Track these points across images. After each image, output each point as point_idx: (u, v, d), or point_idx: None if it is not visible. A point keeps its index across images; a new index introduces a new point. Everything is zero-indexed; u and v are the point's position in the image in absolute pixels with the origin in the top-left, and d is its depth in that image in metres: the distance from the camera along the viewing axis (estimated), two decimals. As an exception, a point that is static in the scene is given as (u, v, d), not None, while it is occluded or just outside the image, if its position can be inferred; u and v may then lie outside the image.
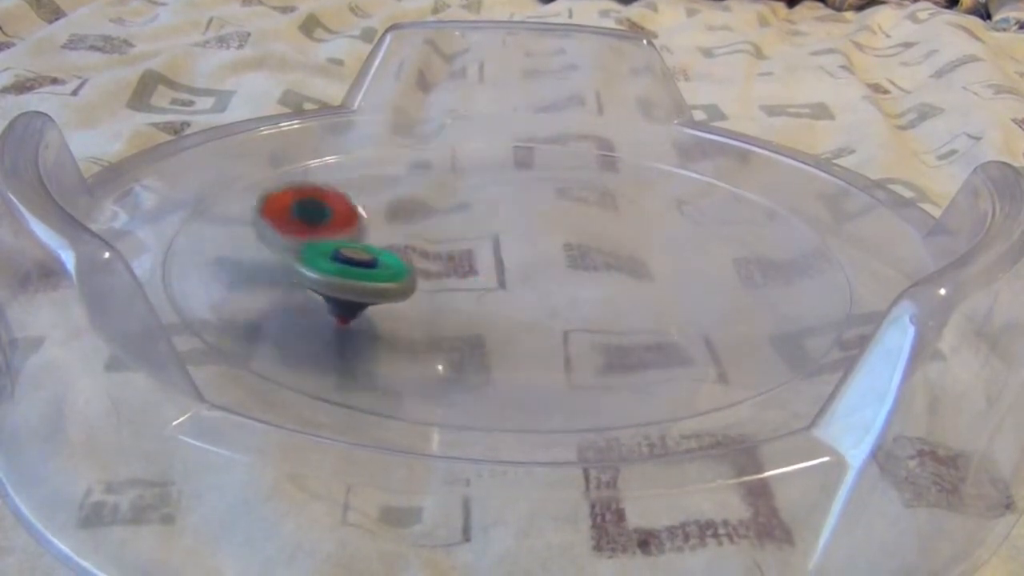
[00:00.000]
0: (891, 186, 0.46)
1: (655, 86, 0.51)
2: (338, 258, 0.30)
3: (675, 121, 0.50)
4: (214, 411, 0.24)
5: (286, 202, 0.34)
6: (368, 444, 0.25)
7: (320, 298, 0.30)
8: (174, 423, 0.23)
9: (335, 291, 0.30)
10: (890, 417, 0.23)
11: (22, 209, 0.26)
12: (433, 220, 0.40)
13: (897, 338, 0.23)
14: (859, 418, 0.23)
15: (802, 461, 0.24)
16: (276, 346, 0.31)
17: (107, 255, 0.24)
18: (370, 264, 0.30)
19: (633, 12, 0.80)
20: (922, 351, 0.24)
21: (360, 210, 0.35)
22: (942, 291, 0.24)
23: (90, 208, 0.36)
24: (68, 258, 0.24)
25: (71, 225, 0.25)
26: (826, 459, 0.23)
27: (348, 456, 0.24)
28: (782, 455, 0.24)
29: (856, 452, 0.23)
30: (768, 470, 0.24)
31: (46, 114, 0.33)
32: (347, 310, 0.31)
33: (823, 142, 0.52)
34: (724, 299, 0.36)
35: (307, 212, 0.34)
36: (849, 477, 0.23)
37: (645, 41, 0.53)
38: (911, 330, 0.23)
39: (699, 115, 0.55)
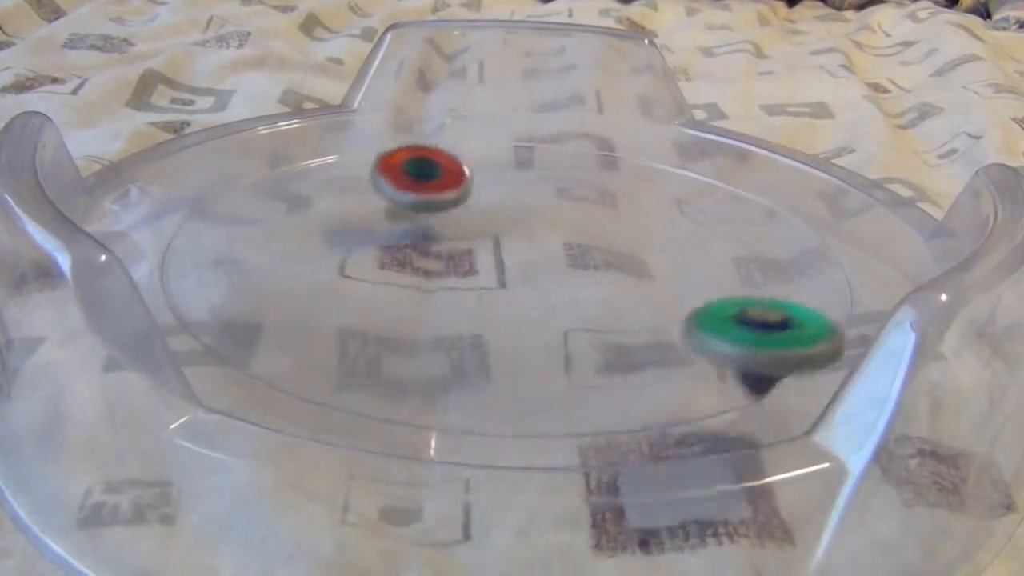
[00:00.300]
0: (891, 185, 0.46)
1: (655, 85, 0.51)
2: (747, 322, 0.25)
3: (675, 121, 0.50)
4: (211, 415, 0.23)
5: (399, 160, 0.37)
6: (367, 448, 0.25)
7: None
8: (171, 427, 0.23)
9: (756, 366, 0.25)
10: (890, 423, 0.23)
11: (18, 210, 0.26)
12: (433, 219, 0.40)
13: (898, 344, 0.23)
14: (859, 424, 0.23)
15: (802, 467, 0.24)
16: (275, 348, 0.31)
17: (103, 258, 0.24)
18: (785, 324, 0.25)
19: (633, 11, 0.80)
20: (923, 357, 0.24)
21: (466, 169, 0.38)
22: (943, 297, 0.24)
23: (88, 208, 0.36)
24: (64, 261, 0.24)
25: (67, 227, 0.25)
26: (826, 465, 0.23)
27: (347, 460, 0.24)
28: (782, 461, 0.24)
29: (856, 458, 0.23)
30: (768, 476, 0.24)
31: (44, 114, 0.33)
32: (763, 384, 0.26)
33: (823, 141, 0.52)
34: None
35: (418, 169, 0.37)
36: (849, 483, 0.23)
37: (646, 40, 0.53)
38: (912, 336, 0.23)
39: (699, 114, 0.55)
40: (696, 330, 0.25)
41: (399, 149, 0.38)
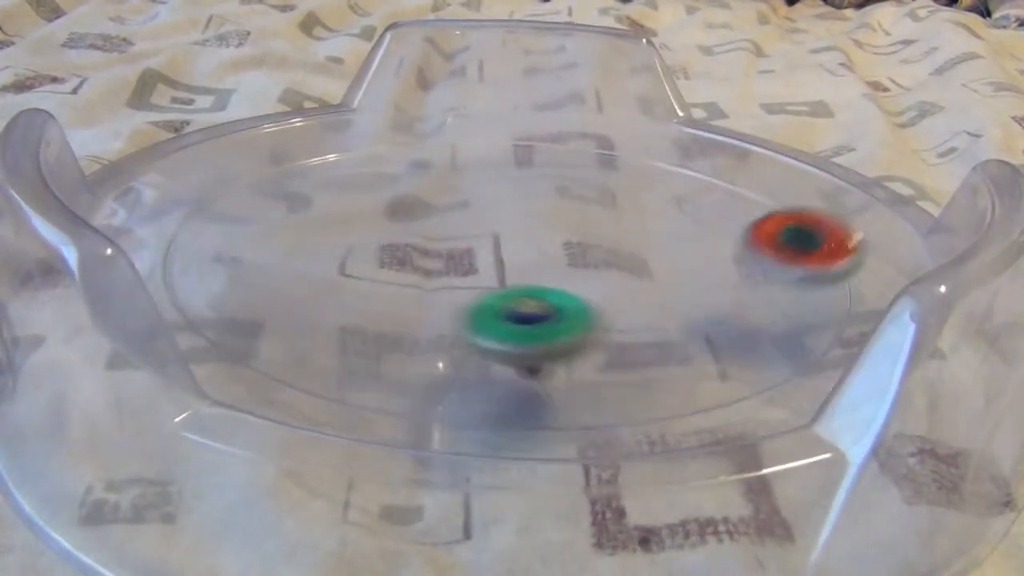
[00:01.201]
0: (891, 184, 0.46)
1: (655, 85, 0.51)
2: (514, 317, 0.27)
3: (674, 120, 0.50)
4: (216, 408, 0.24)
5: (777, 227, 0.33)
6: (369, 440, 0.25)
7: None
8: (175, 420, 0.23)
9: (514, 361, 0.27)
10: (891, 413, 0.23)
11: (24, 205, 0.26)
12: (433, 218, 0.40)
13: (897, 335, 0.23)
14: (860, 415, 0.24)
15: (802, 458, 0.24)
16: (276, 347, 0.31)
17: (109, 251, 0.24)
18: (547, 317, 0.27)
19: (633, 10, 0.80)
20: (922, 348, 0.24)
21: (857, 235, 0.32)
22: (942, 288, 0.24)
23: (91, 206, 0.36)
24: (70, 254, 0.24)
25: (73, 221, 0.25)
26: (827, 456, 0.24)
27: (349, 452, 0.24)
28: (782, 452, 0.24)
29: (857, 449, 0.23)
30: (769, 467, 0.24)
31: (47, 111, 0.33)
32: (533, 370, 0.28)
33: (823, 140, 0.52)
34: (724, 297, 0.36)
35: (798, 238, 0.32)
36: (850, 474, 0.23)
37: (644, 40, 0.53)
38: (911, 327, 0.23)
39: (699, 113, 0.55)
40: (468, 330, 0.27)
41: (772, 215, 0.34)
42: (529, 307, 0.27)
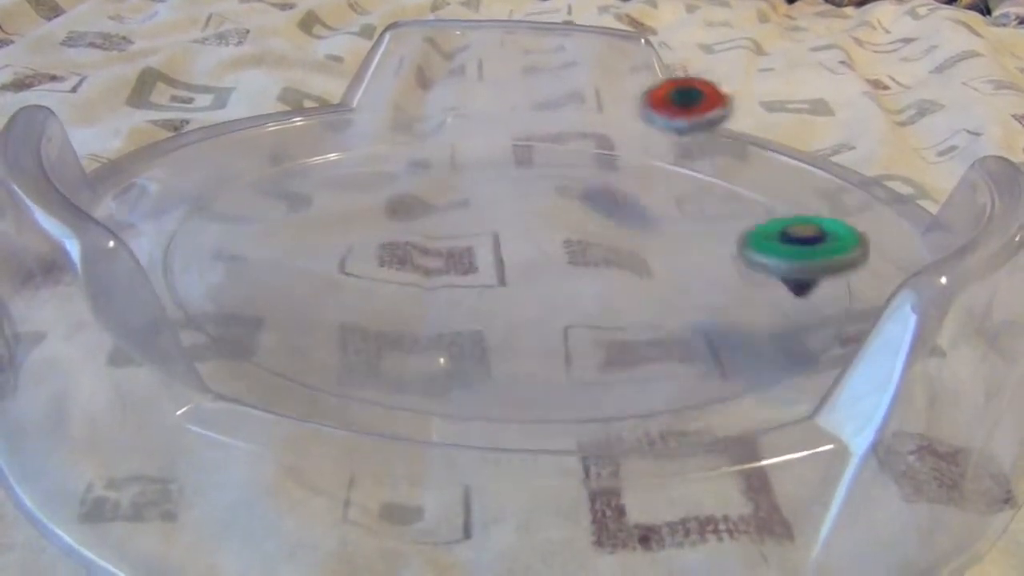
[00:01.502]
0: (891, 182, 0.46)
1: (654, 84, 0.51)
2: (786, 238, 0.30)
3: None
4: (218, 401, 0.24)
5: (666, 92, 0.41)
6: (369, 433, 0.25)
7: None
8: (177, 413, 0.23)
9: (790, 274, 0.31)
10: (892, 405, 0.23)
11: (26, 199, 0.26)
12: (433, 217, 0.40)
13: (899, 327, 0.24)
14: (861, 407, 0.24)
15: (804, 449, 0.24)
16: (276, 345, 0.31)
17: (111, 243, 0.24)
18: (818, 239, 0.30)
19: (633, 8, 0.80)
20: (924, 339, 0.24)
21: (726, 92, 0.40)
22: (943, 280, 0.24)
23: (91, 203, 0.36)
24: (72, 247, 0.24)
25: (75, 214, 0.25)
26: (829, 447, 0.24)
27: (350, 445, 0.24)
28: (784, 443, 0.24)
29: (858, 440, 0.23)
30: (770, 458, 0.24)
31: (48, 108, 0.33)
32: (803, 287, 0.31)
33: (823, 138, 0.52)
34: (724, 295, 0.36)
35: (682, 98, 0.40)
36: (851, 465, 0.23)
37: (643, 40, 0.53)
38: (912, 319, 0.23)
39: (699, 112, 0.55)
40: (747, 247, 0.31)
41: (662, 83, 0.42)
42: (802, 231, 0.31)
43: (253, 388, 0.28)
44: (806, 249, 0.30)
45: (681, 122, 0.40)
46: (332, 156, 0.46)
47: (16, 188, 0.26)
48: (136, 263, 0.24)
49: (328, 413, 0.27)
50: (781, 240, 0.31)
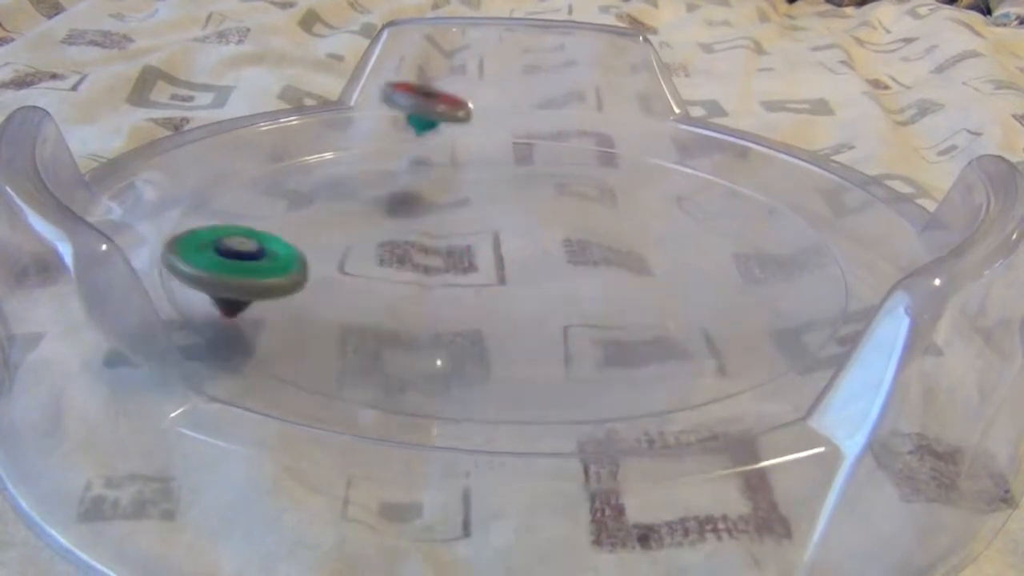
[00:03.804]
0: (891, 182, 0.46)
1: (653, 83, 0.51)
2: (220, 250, 0.27)
3: (671, 117, 0.50)
4: (212, 403, 0.24)
5: (408, 87, 0.45)
6: (367, 436, 0.25)
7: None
8: (172, 415, 0.23)
9: (212, 290, 0.28)
10: (886, 406, 0.23)
11: (19, 202, 0.26)
12: (432, 216, 0.40)
13: (892, 329, 0.24)
14: (855, 408, 0.24)
15: (798, 451, 0.24)
16: (275, 344, 0.31)
17: (105, 247, 0.24)
18: (255, 255, 0.28)
19: (633, 7, 0.80)
20: (917, 341, 0.24)
21: (470, 104, 0.44)
22: (937, 282, 0.24)
23: (87, 203, 0.36)
24: (66, 250, 0.24)
25: (68, 217, 0.25)
26: (821, 449, 0.24)
27: (347, 448, 0.24)
28: (779, 446, 0.24)
29: (852, 442, 0.23)
30: (764, 460, 0.24)
31: (43, 109, 0.33)
32: (231, 305, 0.28)
33: (823, 138, 0.52)
34: (723, 294, 0.36)
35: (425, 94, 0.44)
36: (844, 467, 0.23)
37: (641, 38, 0.53)
38: (906, 321, 0.23)
39: (699, 111, 0.55)
40: (172, 254, 0.27)
41: (403, 82, 0.46)
42: (240, 244, 0.28)
43: (250, 389, 0.28)
44: (239, 264, 0.27)
45: (423, 103, 0.44)
46: (332, 154, 0.46)
47: (9, 190, 0.26)
48: (129, 266, 0.24)
49: (327, 414, 0.27)
50: (216, 250, 0.27)
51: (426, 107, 0.44)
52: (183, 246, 0.27)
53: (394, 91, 0.44)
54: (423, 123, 0.44)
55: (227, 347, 0.30)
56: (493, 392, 0.29)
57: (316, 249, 0.37)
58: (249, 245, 0.28)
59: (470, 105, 0.45)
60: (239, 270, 0.27)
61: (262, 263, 0.28)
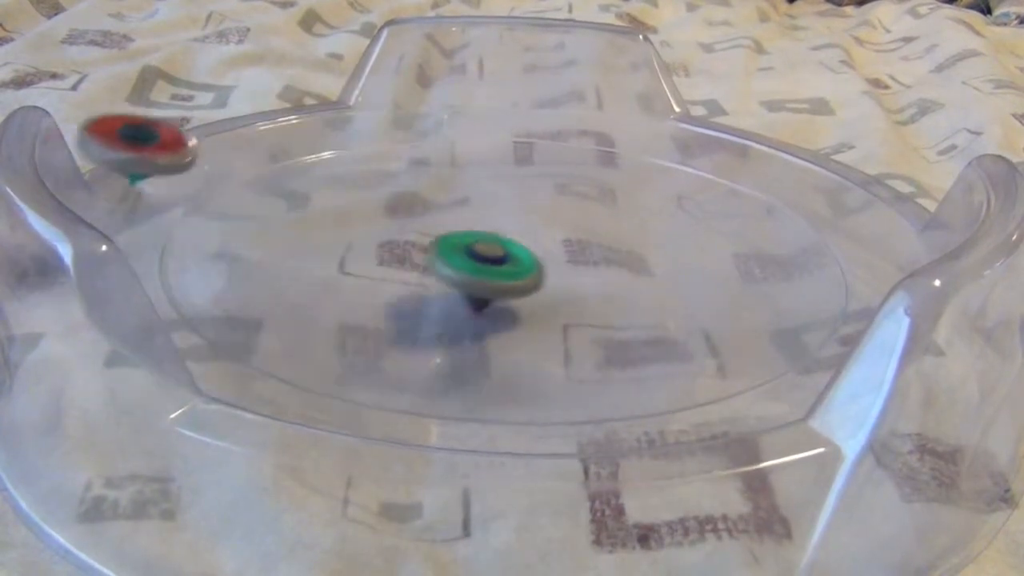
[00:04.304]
0: (891, 181, 0.46)
1: (653, 82, 0.51)
2: (472, 254, 0.31)
3: (671, 116, 0.50)
4: (212, 404, 0.24)
5: (114, 126, 0.36)
6: (367, 436, 0.25)
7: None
8: (172, 416, 0.23)
9: (465, 288, 0.32)
10: (886, 407, 0.23)
11: (19, 203, 0.26)
12: (432, 215, 0.40)
13: (892, 329, 0.24)
14: (855, 409, 0.24)
15: (798, 452, 0.24)
16: (275, 344, 0.31)
17: (104, 248, 0.24)
18: (501, 260, 0.31)
19: (633, 7, 0.80)
20: (917, 342, 0.24)
21: (191, 139, 0.38)
22: (937, 282, 0.24)
23: (87, 203, 0.36)
24: (65, 251, 0.24)
25: (68, 218, 0.25)
26: (822, 450, 0.24)
27: (347, 449, 0.24)
28: (779, 446, 0.24)
29: (852, 442, 0.23)
30: (765, 461, 0.24)
31: (43, 109, 0.33)
32: (478, 303, 0.32)
33: (823, 137, 0.52)
34: (723, 294, 0.36)
35: (134, 135, 0.36)
36: (845, 467, 0.23)
37: (641, 37, 0.53)
38: (906, 321, 0.23)
39: (699, 110, 0.55)
40: (435, 255, 0.31)
41: (109, 117, 0.37)
42: (488, 249, 0.31)
43: (250, 389, 0.28)
44: (488, 268, 0.31)
45: (122, 155, 0.36)
46: (332, 154, 0.46)
47: (9, 191, 0.26)
48: (128, 267, 0.24)
49: (326, 415, 0.27)
50: (467, 254, 0.31)
51: (126, 162, 0.36)
52: (443, 248, 0.31)
53: (88, 137, 0.35)
54: (135, 175, 0.37)
55: (227, 347, 0.30)
56: (493, 392, 0.29)
57: (316, 249, 0.37)
58: (497, 250, 0.32)
59: (191, 143, 0.38)
60: (490, 273, 0.31)
61: (506, 268, 0.31)
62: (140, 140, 0.36)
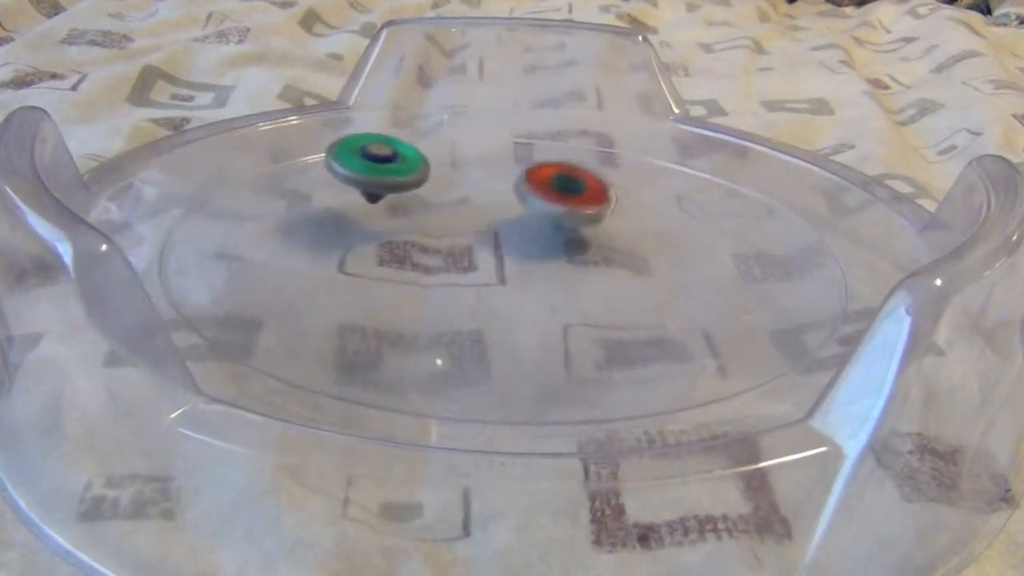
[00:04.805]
0: (891, 182, 0.46)
1: (653, 82, 0.51)
2: (365, 154, 0.36)
3: (670, 117, 0.50)
4: (212, 404, 0.24)
5: (548, 174, 0.38)
6: (367, 436, 0.25)
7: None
8: (172, 416, 0.23)
9: (359, 185, 0.37)
10: (887, 407, 0.23)
11: (18, 202, 0.26)
12: (432, 215, 0.40)
13: (893, 329, 0.24)
14: (856, 408, 0.24)
15: (799, 451, 0.24)
16: (275, 344, 0.31)
17: (104, 247, 0.24)
18: (391, 158, 0.37)
19: (633, 7, 0.80)
20: (918, 341, 0.24)
21: (611, 189, 0.39)
22: (938, 281, 0.24)
23: (86, 203, 0.36)
24: (65, 250, 0.24)
25: (68, 217, 0.25)
26: (823, 449, 0.24)
27: (347, 449, 0.24)
28: (779, 446, 0.24)
29: (853, 443, 0.23)
30: (765, 461, 0.24)
31: (42, 109, 0.33)
32: (372, 197, 0.37)
33: (823, 137, 0.52)
34: (723, 294, 0.36)
35: (564, 184, 0.38)
36: (846, 467, 0.23)
37: (641, 37, 0.53)
38: (907, 321, 0.23)
39: (699, 110, 0.55)
40: (331, 156, 0.36)
41: (545, 164, 0.39)
42: (379, 149, 0.37)
43: (250, 389, 0.28)
44: (378, 166, 0.36)
45: (558, 208, 0.37)
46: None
47: (8, 190, 0.26)
48: (128, 266, 0.24)
49: (326, 415, 0.27)
50: (361, 155, 0.36)
51: (548, 212, 0.37)
52: (340, 151, 0.37)
53: (528, 190, 0.37)
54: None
55: (227, 347, 0.30)
56: (493, 392, 0.29)
57: (316, 249, 0.37)
58: (386, 151, 0.37)
59: (611, 194, 0.38)
60: (380, 171, 0.37)
61: (395, 165, 0.37)
62: (571, 191, 0.37)
